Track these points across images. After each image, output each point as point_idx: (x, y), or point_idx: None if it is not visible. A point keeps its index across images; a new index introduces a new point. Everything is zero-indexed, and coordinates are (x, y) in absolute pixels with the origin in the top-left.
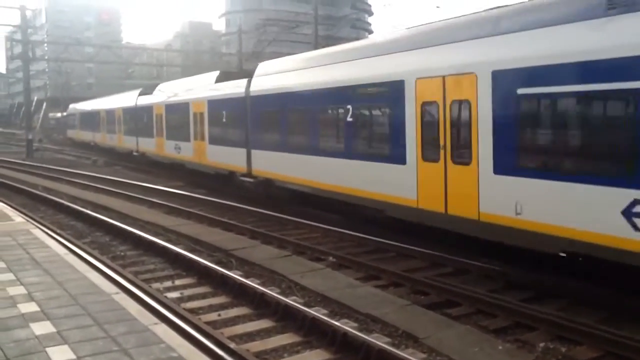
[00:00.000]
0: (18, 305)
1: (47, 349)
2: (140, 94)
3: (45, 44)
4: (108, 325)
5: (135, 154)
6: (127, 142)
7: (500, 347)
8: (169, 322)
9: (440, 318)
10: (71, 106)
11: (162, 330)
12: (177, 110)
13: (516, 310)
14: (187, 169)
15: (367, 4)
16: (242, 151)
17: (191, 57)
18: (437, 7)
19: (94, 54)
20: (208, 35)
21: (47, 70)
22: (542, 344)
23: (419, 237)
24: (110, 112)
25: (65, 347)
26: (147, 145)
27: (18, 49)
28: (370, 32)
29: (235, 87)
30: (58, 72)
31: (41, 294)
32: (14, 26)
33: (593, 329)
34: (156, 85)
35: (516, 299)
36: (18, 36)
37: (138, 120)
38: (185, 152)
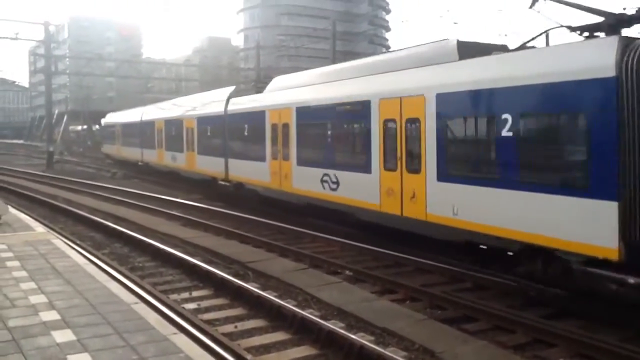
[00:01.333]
0: (40, 314)
1: (68, 357)
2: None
3: (67, 59)
4: (127, 334)
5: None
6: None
7: None
8: (186, 333)
9: (457, 333)
10: (109, 116)
11: (181, 340)
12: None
13: (535, 327)
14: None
15: (384, 19)
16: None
17: (209, 71)
18: (455, 23)
19: (114, 68)
20: (226, 51)
21: (68, 84)
22: None
23: (437, 252)
24: (173, 123)
25: (86, 355)
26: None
27: (41, 63)
28: (387, 47)
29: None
30: (79, 86)
31: (62, 302)
32: (37, 41)
33: (615, 347)
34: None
35: (535, 316)
36: (41, 50)
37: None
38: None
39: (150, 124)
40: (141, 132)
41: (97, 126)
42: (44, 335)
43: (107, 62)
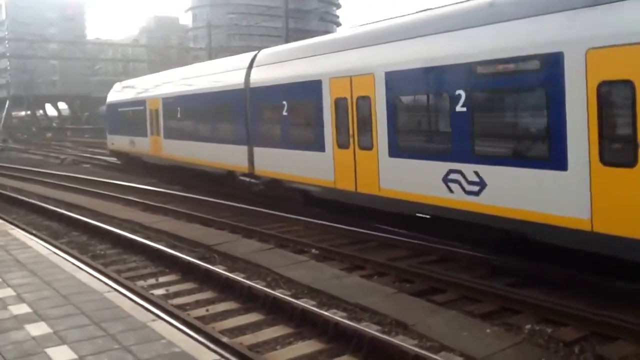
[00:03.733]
0: (9, 307)
1: (46, 350)
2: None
3: (7, 41)
4: (105, 323)
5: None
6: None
7: (488, 331)
8: (163, 319)
9: (427, 305)
10: (118, 87)
11: (160, 326)
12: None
13: (501, 295)
14: None
15: None
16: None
17: (158, 52)
18: None
19: (58, 50)
20: (175, 30)
21: (8, 67)
22: (528, 326)
23: (401, 227)
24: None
25: (65, 347)
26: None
27: None
28: (339, 24)
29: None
30: (21, 70)
31: (31, 295)
32: None
33: (578, 310)
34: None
35: (501, 285)
36: None
37: None
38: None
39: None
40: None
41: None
42: (17, 330)
43: (50, 44)
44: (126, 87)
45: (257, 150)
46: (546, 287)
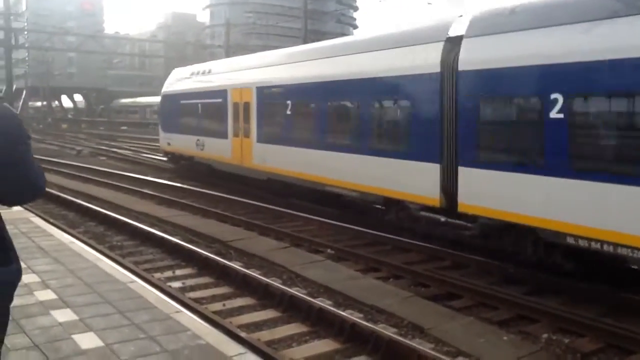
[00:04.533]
0: (35, 293)
1: (73, 336)
2: None
3: (26, 32)
4: (130, 313)
5: None
6: None
7: (505, 338)
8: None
9: (444, 310)
10: (179, 74)
11: (184, 318)
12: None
13: (518, 303)
14: None
15: None
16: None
17: (175, 48)
18: (429, 3)
19: (77, 43)
20: (192, 27)
21: (27, 58)
22: (545, 335)
23: (413, 233)
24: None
25: (92, 334)
26: None
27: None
28: (355, 27)
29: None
30: (39, 61)
31: (56, 282)
32: None
33: (594, 321)
34: None
35: (516, 292)
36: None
37: None
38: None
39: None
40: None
41: (104, 106)
42: (44, 315)
43: (68, 36)
44: (194, 73)
45: (473, 173)
46: (560, 297)
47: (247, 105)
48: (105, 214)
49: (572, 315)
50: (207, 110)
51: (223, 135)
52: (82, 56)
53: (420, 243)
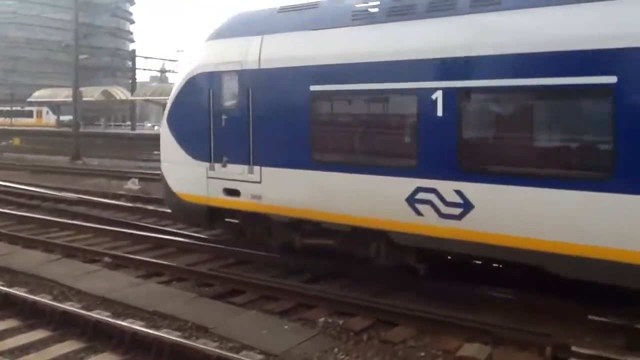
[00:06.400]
0: None
1: None
2: None
3: None
4: None
5: None
6: None
7: (286, 327)
8: None
9: (227, 307)
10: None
11: None
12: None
13: (297, 292)
14: None
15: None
16: None
17: None
18: None
19: None
20: None
21: None
22: (322, 319)
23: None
24: None
25: None
26: None
27: None
28: (132, 21)
29: None
30: None
31: None
32: None
33: (365, 301)
34: None
35: (296, 282)
36: None
37: None
38: None
39: None
40: None
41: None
42: None
43: None
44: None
45: None
46: (339, 283)
47: None
48: None
49: (346, 298)
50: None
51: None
52: None
53: (204, 243)
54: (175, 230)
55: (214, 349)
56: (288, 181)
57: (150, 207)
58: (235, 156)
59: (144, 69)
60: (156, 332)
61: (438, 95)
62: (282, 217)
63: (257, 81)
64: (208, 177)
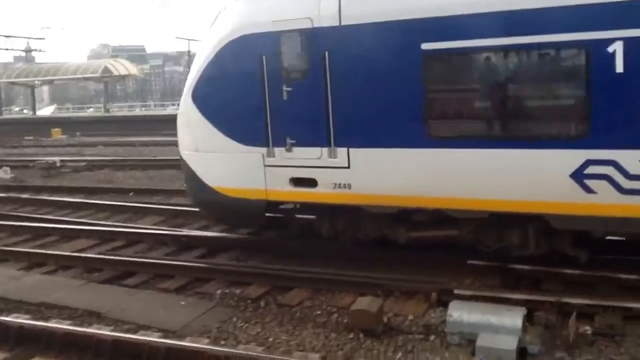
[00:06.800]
0: None
1: None
2: None
3: None
4: None
5: None
6: None
7: (183, 303)
8: None
9: (120, 290)
10: None
11: None
12: None
13: (192, 267)
14: None
15: None
16: None
17: None
18: None
19: None
20: None
21: None
22: (219, 291)
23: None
24: None
25: None
26: None
27: None
28: None
29: None
30: None
31: None
32: None
33: (258, 269)
34: None
35: (191, 258)
36: None
37: None
38: None
39: None
40: None
41: None
42: None
43: None
44: None
45: None
46: (231, 253)
47: None
48: None
49: (240, 268)
50: None
51: None
52: None
53: (89, 228)
54: (56, 218)
55: (108, 332)
56: (391, 164)
57: (25, 196)
58: (306, 137)
59: (7, 49)
60: (44, 324)
61: (617, 47)
62: (383, 207)
63: (337, 42)
64: (266, 166)
